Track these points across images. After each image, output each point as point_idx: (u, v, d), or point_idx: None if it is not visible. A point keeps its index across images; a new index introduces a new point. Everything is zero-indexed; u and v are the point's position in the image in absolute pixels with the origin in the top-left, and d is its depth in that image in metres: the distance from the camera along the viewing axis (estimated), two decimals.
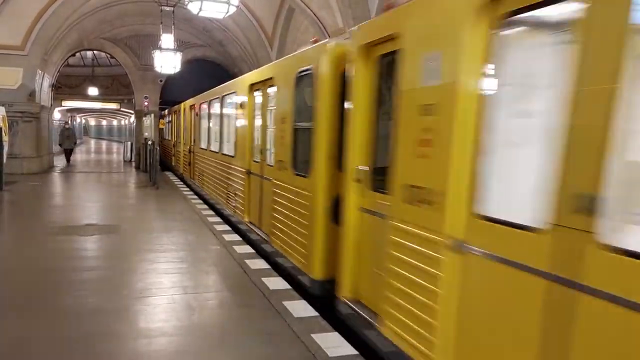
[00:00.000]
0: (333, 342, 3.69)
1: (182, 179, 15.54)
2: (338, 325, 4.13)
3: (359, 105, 4.04)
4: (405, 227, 3.19)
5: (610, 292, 1.86)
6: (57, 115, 32.12)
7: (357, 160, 4.05)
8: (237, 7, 10.23)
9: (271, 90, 6.47)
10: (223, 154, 9.22)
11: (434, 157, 2.92)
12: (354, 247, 4.13)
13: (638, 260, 1.77)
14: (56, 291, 4.75)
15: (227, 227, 8.02)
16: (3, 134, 12.11)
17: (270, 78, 6.35)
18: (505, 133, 2.60)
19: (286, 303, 4.50)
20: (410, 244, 3.12)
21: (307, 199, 4.92)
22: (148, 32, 20.25)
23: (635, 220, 2.02)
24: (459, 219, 2.73)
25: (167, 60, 15.25)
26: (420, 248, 3.02)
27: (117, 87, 28.32)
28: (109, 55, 23.33)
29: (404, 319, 3.17)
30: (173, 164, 18.14)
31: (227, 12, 9.80)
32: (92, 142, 56.26)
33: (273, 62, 7.15)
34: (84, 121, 60.97)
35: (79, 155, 26.01)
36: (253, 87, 7.30)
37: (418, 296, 3.02)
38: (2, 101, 13.69)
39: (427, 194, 2.98)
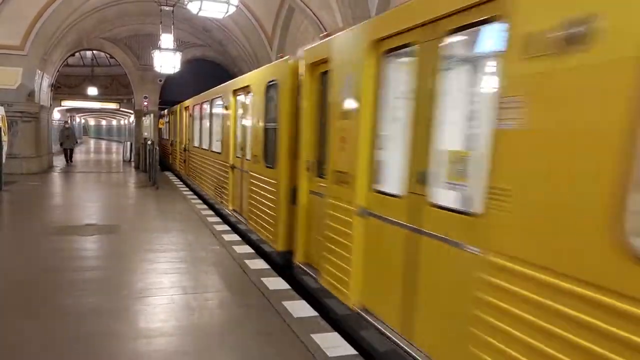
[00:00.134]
0: (332, 342, 3.70)
1: (179, 177, 15.58)
2: (294, 284, 5.20)
3: (306, 111, 5.14)
4: (334, 201, 4.28)
5: (439, 233, 2.97)
6: (56, 115, 32.09)
7: (307, 154, 5.13)
8: (237, 6, 10.24)
9: (249, 96, 7.47)
10: (212, 151, 10.31)
11: (349, 150, 4.01)
12: (305, 222, 5.24)
13: (448, 212, 2.90)
14: (56, 291, 4.75)
15: (226, 227, 8.02)
16: (2, 133, 12.10)
17: (248, 86, 7.45)
18: (387, 133, 3.73)
19: (286, 303, 4.51)
20: (336, 214, 4.21)
21: (274, 186, 6.01)
22: (147, 32, 20.23)
23: (447, 187, 3.11)
24: (362, 193, 3.85)
25: (167, 60, 15.22)
26: (341, 216, 4.11)
27: (116, 87, 28.30)
28: (108, 55, 23.29)
29: (331, 269, 4.30)
30: (170, 162, 18.69)
31: (227, 11, 9.81)
32: (92, 142, 56.25)
33: (250, 72, 8.12)
34: (83, 121, 60.92)
35: (78, 155, 25.99)
36: (236, 92, 8.35)
37: (339, 250, 4.14)
38: (1, 101, 13.67)
39: (345, 176, 4.06)
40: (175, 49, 15.53)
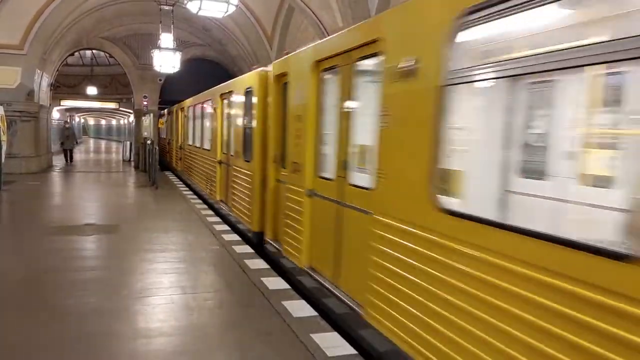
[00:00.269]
0: (332, 342, 3.69)
1: (179, 177, 15.58)
2: (265, 258, 6.17)
3: (273, 114, 6.27)
4: (291, 186, 5.38)
5: (352, 204, 4.05)
6: (55, 114, 32.05)
7: (274, 149, 6.21)
8: (237, 6, 10.22)
9: (232, 100, 8.56)
10: (203, 149, 11.44)
11: (301, 146, 5.10)
12: (272, 205, 6.30)
13: (357, 189, 3.98)
14: (56, 291, 4.75)
15: (226, 227, 8.02)
16: (2, 133, 12.09)
17: (232, 91, 8.54)
18: (327, 132, 4.76)
19: (285, 303, 4.50)
20: (292, 196, 5.32)
21: (250, 177, 7.10)
22: (147, 31, 20.22)
23: (357, 171, 4.21)
24: (310, 178, 4.95)
25: (167, 60, 15.21)
26: (295, 197, 5.21)
27: (116, 87, 28.29)
28: (107, 55, 23.28)
29: (289, 240, 5.43)
30: (168, 160, 19.25)
31: (227, 11, 9.79)
32: (91, 141, 56.24)
33: (233, 79, 9.28)
34: (82, 120, 60.87)
35: (77, 155, 25.96)
36: (222, 96, 9.40)
37: (294, 224, 5.26)
38: (0, 100, 13.65)
39: (299, 166, 5.14)
40: (175, 49, 15.51)
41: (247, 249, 6.61)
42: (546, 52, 2.28)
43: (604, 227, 2.58)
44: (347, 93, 4.21)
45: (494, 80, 2.88)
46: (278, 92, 6.10)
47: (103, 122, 63.43)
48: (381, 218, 3.41)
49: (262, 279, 5.23)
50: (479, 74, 2.67)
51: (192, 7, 9.43)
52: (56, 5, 14.04)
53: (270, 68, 6.55)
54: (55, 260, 5.83)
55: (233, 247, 6.65)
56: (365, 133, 4.01)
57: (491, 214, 2.83)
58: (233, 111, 8.49)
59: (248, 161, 7.21)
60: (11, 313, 4.21)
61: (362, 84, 4.17)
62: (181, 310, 4.34)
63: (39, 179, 14.29)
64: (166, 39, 15.34)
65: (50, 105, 18.33)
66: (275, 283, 5.13)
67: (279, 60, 6.20)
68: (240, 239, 7.18)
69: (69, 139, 21.04)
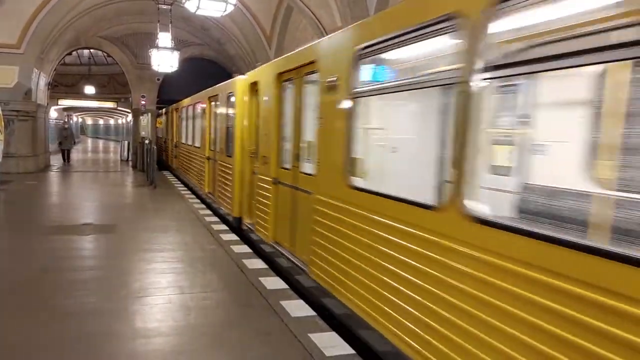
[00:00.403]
0: (330, 342, 3.71)
1: (177, 177, 15.59)
2: (244, 240, 7.19)
3: (248, 116, 7.53)
4: (261, 176, 6.57)
5: (302, 187, 5.20)
6: (53, 114, 31.92)
7: (249, 145, 7.46)
8: (235, 5, 10.23)
9: (218, 103, 9.61)
10: (195, 146, 12.45)
11: (268, 143, 6.27)
12: (248, 194, 7.52)
13: (306, 175, 5.18)
14: (55, 291, 4.75)
15: (224, 227, 8.03)
16: None
17: (217, 94, 9.63)
18: (286, 130, 5.98)
19: (284, 303, 4.52)
20: (262, 184, 6.53)
21: (231, 169, 8.22)
22: (145, 31, 20.16)
23: (306, 161, 5.28)
24: (275, 169, 6.10)
25: (165, 59, 15.17)
26: (264, 185, 6.41)
27: (114, 86, 28.20)
28: (105, 54, 23.19)
29: (260, 221, 6.65)
30: (165, 158, 19.60)
31: (225, 10, 9.80)
32: (89, 141, 56.09)
33: (218, 84, 10.00)
34: (80, 120, 60.69)
35: (75, 155, 25.90)
36: (210, 99, 10.51)
37: (263, 207, 6.46)
38: None
39: (267, 159, 6.31)
40: (173, 48, 15.48)
41: (246, 248, 6.63)
42: (400, 83, 3.65)
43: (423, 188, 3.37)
44: (298, 100, 5.50)
45: (376, 95, 3.95)
46: (252, 97, 7.38)
47: (101, 121, 63.25)
48: (318, 196, 4.56)
49: (260, 278, 5.25)
50: (367, 91, 3.88)
51: (190, 6, 9.43)
52: (54, 4, 14.00)
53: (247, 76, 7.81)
54: (54, 260, 5.83)
55: (231, 247, 6.66)
56: (310, 132, 5.20)
57: (378, 187, 3.72)
58: (219, 112, 9.58)
59: (230, 156, 8.33)
60: (11, 313, 4.22)
61: (309, 94, 5.31)
62: (179, 310, 4.35)
63: (37, 179, 14.27)
64: (164, 38, 15.30)
65: (47, 104, 18.28)
66: (274, 283, 5.14)
67: (253, 70, 7.57)
68: (227, 227, 8.05)
69: (67, 139, 20.98)
